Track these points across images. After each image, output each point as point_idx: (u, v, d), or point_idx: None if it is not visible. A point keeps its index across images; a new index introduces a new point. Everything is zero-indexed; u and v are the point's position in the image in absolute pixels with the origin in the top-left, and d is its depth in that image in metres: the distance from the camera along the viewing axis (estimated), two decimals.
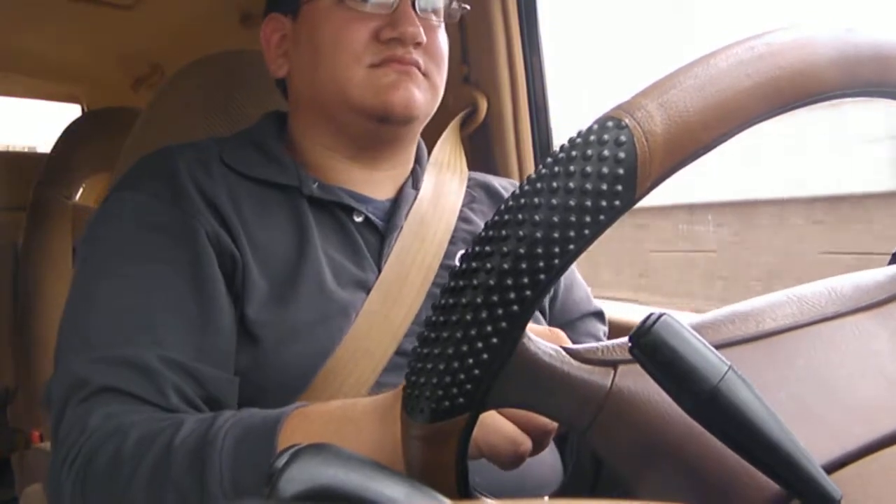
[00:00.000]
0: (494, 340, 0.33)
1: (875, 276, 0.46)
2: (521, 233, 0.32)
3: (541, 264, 0.32)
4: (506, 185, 0.94)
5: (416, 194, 0.83)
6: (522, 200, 0.33)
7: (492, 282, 0.32)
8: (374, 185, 0.82)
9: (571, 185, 0.32)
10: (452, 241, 0.82)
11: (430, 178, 0.86)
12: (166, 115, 0.98)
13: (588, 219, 0.32)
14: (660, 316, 0.33)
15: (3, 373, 1.71)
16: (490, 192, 0.91)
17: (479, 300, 0.33)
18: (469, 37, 1.20)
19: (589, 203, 0.32)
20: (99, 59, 1.90)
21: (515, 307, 0.33)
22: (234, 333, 0.68)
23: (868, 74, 0.37)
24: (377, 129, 0.78)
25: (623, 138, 0.32)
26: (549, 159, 0.33)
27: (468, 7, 0.82)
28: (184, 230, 0.69)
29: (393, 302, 0.74)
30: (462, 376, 0.35)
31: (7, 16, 1.58)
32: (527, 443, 0.50)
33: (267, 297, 0.69)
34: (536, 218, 0.32)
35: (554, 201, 0.32)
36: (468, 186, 0.90)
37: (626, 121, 0.32)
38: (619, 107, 0.33)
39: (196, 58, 1.00)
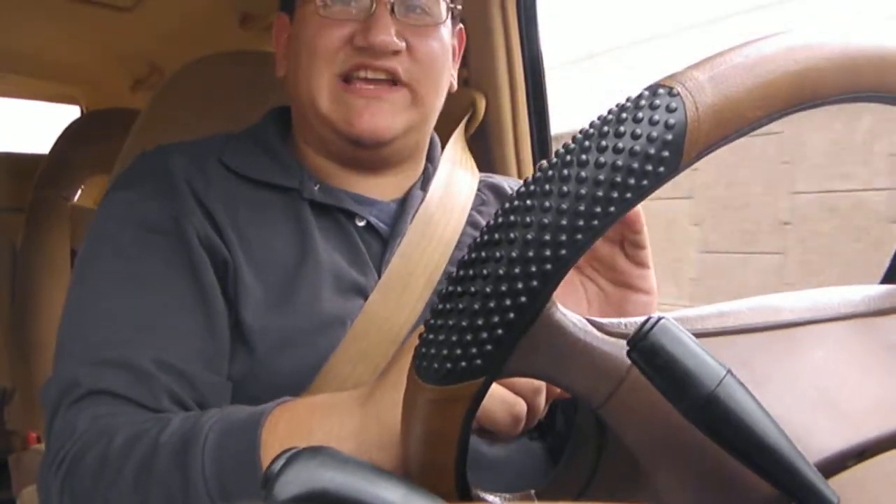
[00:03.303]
0: (523, 299, 0.32)
1: (879, 289, 0.47)
2: (564, 188, 0.31)
3: (580, 223, 0.31)
4: (514, 186, 0.89)
5: (424, 196, 0.79)
6: (568, 157, 0.32)
7: (529, 236, 0.32)
8: (380, 187, 0.78)
9: (620, 145, 0.31)
10: (458, 247, 0.78)
11: (441, 176, 0.81)
12: (165, 116, 0.98)
13: (632, 181, 0.31)
14: (658, 320, 0.33)
15: (0, 374, 1.71)
16: (499, 194, 0.87)
17: (514, 254, 0.32)
18: (468, 38, 1.20)
19: (636, 165, 0.31)
20: (98, 61, 1.90)
21: (549, 266, 0.32)
22: (228, 338, 0.67)
23: (870, 80, 0.37)
24: (353, 151, 0.75)
25: (674, 105, 0.32)
26: (597, 120, 0.33)
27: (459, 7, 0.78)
28: (176, 232, 0.68)
29: (394, 304, 0.72)
30: (485, 335, 0.33)
31: (6, 17, 1.57)
32: (520, 403, 0.49)
33: (262, 302, 0.68)
34: (583, 174, 0.31)
35: (602, 159, 0.31)
36: (478, 189, 0.86)
37: (678, 89, 0.32)
38: (670, 76, 0.33)
39: (195, 59, 1.00)
